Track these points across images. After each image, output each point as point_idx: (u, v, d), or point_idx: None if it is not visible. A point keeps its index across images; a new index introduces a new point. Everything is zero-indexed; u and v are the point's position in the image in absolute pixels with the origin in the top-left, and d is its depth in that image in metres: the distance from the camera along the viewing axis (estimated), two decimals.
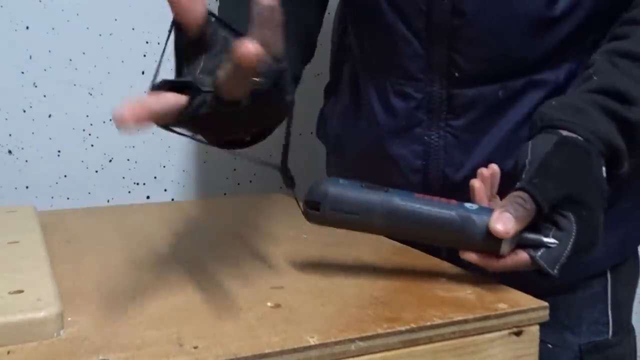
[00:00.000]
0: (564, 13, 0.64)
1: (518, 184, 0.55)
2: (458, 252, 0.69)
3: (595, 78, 0.61)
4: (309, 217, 0.57)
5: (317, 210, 0.56)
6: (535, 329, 0.54)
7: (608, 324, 0.74)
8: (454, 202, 0.56)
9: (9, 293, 0.49)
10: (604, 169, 0.57)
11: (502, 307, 0.53)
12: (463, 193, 0.60)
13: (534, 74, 0.67)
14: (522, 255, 0.55)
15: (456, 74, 0.68)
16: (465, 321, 0.51)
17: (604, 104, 0.59)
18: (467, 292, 0.56)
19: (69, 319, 0.49)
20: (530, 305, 0.54)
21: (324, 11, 0.81)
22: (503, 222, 0.53)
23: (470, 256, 0.55)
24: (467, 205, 0.56)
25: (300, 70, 0.73)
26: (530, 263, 0.55)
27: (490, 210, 0.55)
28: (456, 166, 0.70)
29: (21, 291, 0.49)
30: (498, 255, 0.55)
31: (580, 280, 0.73)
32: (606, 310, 0.74)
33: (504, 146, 0.68)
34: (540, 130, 0.59)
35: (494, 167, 0.60)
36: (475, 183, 0.58)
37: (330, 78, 0.88)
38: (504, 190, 0.58)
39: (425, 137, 0.71)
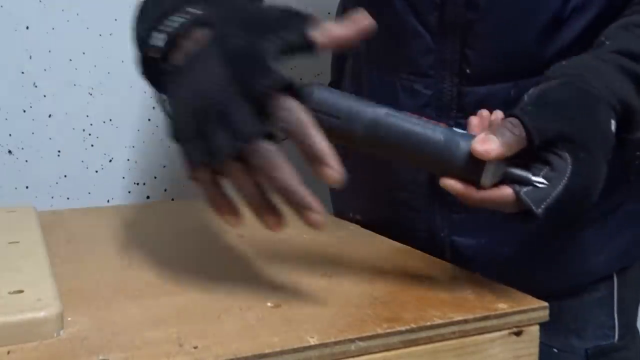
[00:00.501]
0: (577, 8, 0.64)
1: (511, 111, 0.51)
2: (463, 262, 0.69)
3: (607, 43, 0.58)
4: None
5: None
6: (535, 329, 0.54)
7: (614, 327, 0.73)
8: (444, 125, 0.52)
9: (9, 293, 0.49)
10: (613, 122, 0.53)
11: (502, 307, 0.53)
12: None
13: None
14: (505, 190, 0.50)
15: (468, 71, 0.66)
16: (465, 321, 0.51)
17: (619, 62, 0.55)
18: (467, 292, 0.56)
19: (69, 319, 0.49)
20: (530, 305, 0.54)
21: None
22: (485, 143, 0.49)
23: (449, 183, 0.51)
24: (457, 129, 0.52)
25: None
26: (514, 200, 0.50)
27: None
28: None
29: (21, 291, 0.49)
30: (479, 187, 0.51)
31: (586, 284, 0.73)
32: (612, 314, 0.73)
33: None
34: None
35: (498, 113, 0.56)
36: (473, 119, 0.55)
37: (331, 77, 0.88)
38: None
39: None
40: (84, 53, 0.94)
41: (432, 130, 0.51)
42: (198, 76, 0.47)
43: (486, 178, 0.50)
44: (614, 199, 0.71)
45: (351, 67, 0.81)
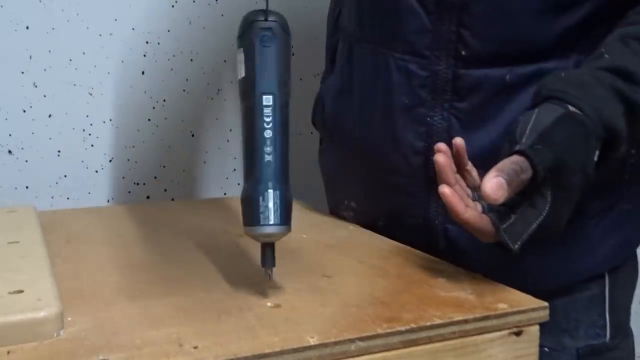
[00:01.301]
0: (578, 1, 0.64)
1: (517, 147, 0.54)
2: (456, 251, 0.69)
3: (606, 56, 0.59)
4: None
5: None
6: (535, 329, 0.54)
7: (605, 327, 0.73)
8: None
9: (9, 293, 0.49)
10: (597, 153, 0.57)
11: (502, 307, 0.53)
12: (465, 178, 0.60)
13: (543, 62, 0.65)
14: (487, 222, 0.55)
15: (463, 52, 0.66)
16: (465, 321, 0.51)
17: (613, 83, 0.58)
18: (467, 292, 0.56)
19: (69, 319, 0.49)
20: (530, 305, 0.54)
21: None
22: (494, 188, 0.52)
23: (447, 191, 0.54)
24: None
25: None
26: (493, 233, 0.55)
27: None
28: None
29: (21, 291, 0.49)
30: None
31: (577, 283, 0.73)
32: (604, 314, 0.73)
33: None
34: (545, 100, 0.58)
35: (457, 141, 0.59)
36: (440, 157, 0.57)
37: (326, 62, 0.87)
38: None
39: (428, 118, 0.69)
40: (84, 53, 0.94)
41: None
42: None
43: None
44: (609, 199, 0.71)
45: (343, 50, 0.80)
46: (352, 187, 0.81)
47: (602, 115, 0.56)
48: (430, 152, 0.69)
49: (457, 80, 0.67)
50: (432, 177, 0.67)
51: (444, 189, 0.54)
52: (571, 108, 0.56)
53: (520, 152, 0.54)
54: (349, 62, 0.78)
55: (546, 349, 0.71)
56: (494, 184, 0.52)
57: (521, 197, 0.54)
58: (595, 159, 0.56)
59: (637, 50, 0.59)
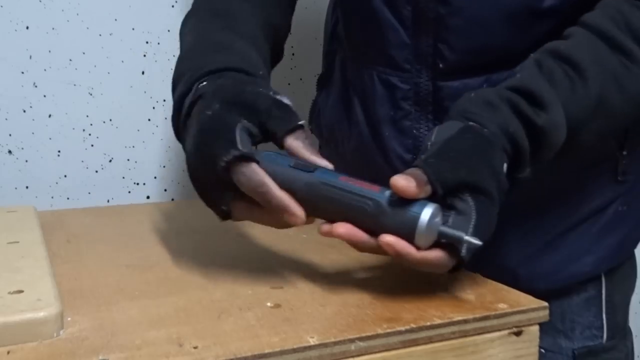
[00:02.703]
0: (552, 7, 0.64)
1: (415, 162, 0.53)
2: None
3: (517, 76, 0.59)
4: None
5: None
6: (535, 329, 0.54)
7: (602, 328, 0.73)
8: (376, 188, 0.53)
9: (9, 293, 0.49)
10: (505, 165, 0.55)
11: (502, 307, 0.53)
12: None
13: (517, 66, 0.66)
14: (439, 252, 0.51)
15: (441, 65, 0.67)
16: (465, 321, 0.51)
17: (516, 102, 0.57)
18: (467, 292, 0.56)
19: (69, 319, 0.49)
20: (530, 305, 0.54)
21: (291, 16, 0.78)
22: (405, 180, 0.50)
23: (389, 240, 0.51)
24: (388, 193, 0.52)
25: (269, 71, 0.68)
26: (448, 260, 0.51)
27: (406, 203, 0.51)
28: None
29: (21, 291, 0.49)
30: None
31: (574, 285, 0.73)
32: (600, 315, 0.73)
33: None
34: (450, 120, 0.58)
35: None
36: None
37: (322, 69, 0.88)
38: None
39: (415, 131, 0.70)
40: (84, 53, 0.94)
41: (359, 201, 0.52)
42: (186, 140, 0.58)
43: (420, 239, 0.50)
44: (603, 200, 0.71)
45: (340, 61, 0.81)
46: None
47: (506, 130, 0.55)
48: None
49: (438, 92, 0.68)
50: None
51: (386, 239, 0.51)
52: (471, 123, 0.56)
53: (415, 167, 0.52)
54: (343, 73, 0.79)
55: (542, 350, 0.71)
56: (401, 176, 0.51)
57: (446, 209, 0.52)
58: (504, 171, 0.55)
59: (548, 70, 0.59)
